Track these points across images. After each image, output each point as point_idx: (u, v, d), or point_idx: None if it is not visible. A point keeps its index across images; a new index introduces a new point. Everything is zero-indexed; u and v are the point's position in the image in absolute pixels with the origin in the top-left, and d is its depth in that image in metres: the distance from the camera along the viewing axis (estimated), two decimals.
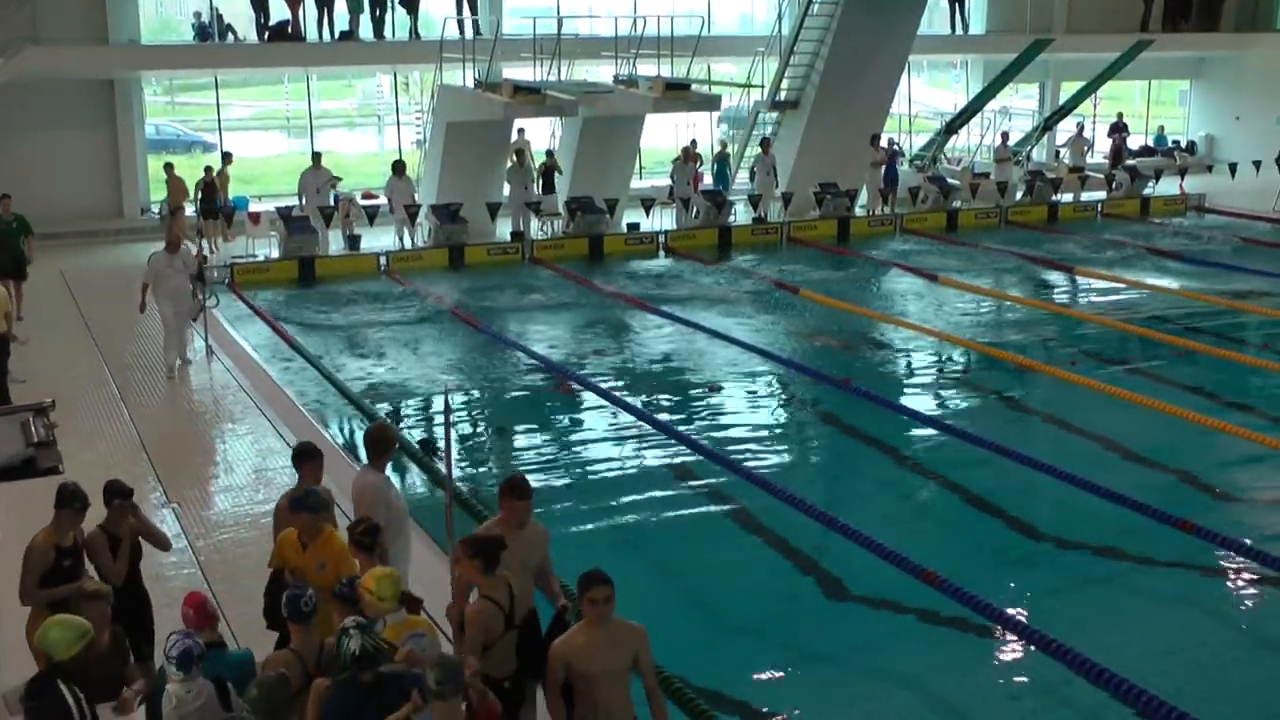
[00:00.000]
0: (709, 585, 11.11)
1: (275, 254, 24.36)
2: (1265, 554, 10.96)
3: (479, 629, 6.84)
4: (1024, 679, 9.43)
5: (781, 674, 9.56)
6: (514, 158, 26.59)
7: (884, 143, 29.66)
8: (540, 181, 26.86)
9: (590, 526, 12.18)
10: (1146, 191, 31.37)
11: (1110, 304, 21.56)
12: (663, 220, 27.50)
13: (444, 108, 26.10)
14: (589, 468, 13.67)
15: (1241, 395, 15.86)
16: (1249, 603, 10.71)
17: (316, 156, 26.14)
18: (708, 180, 29.11)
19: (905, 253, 26.15)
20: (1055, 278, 23.73)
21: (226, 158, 26.76)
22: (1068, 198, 30.88)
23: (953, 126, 32.72)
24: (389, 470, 8.79)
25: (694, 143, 29.38)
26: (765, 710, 8.95)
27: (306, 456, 8.58)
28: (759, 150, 28.58)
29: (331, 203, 25.25)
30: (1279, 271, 23.44)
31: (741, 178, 29.95)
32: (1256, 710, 8.93)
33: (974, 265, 24.83)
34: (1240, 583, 10.95)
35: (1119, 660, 8.99)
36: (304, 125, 31.94)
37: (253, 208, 26.47)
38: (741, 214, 28.13)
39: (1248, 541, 11.24)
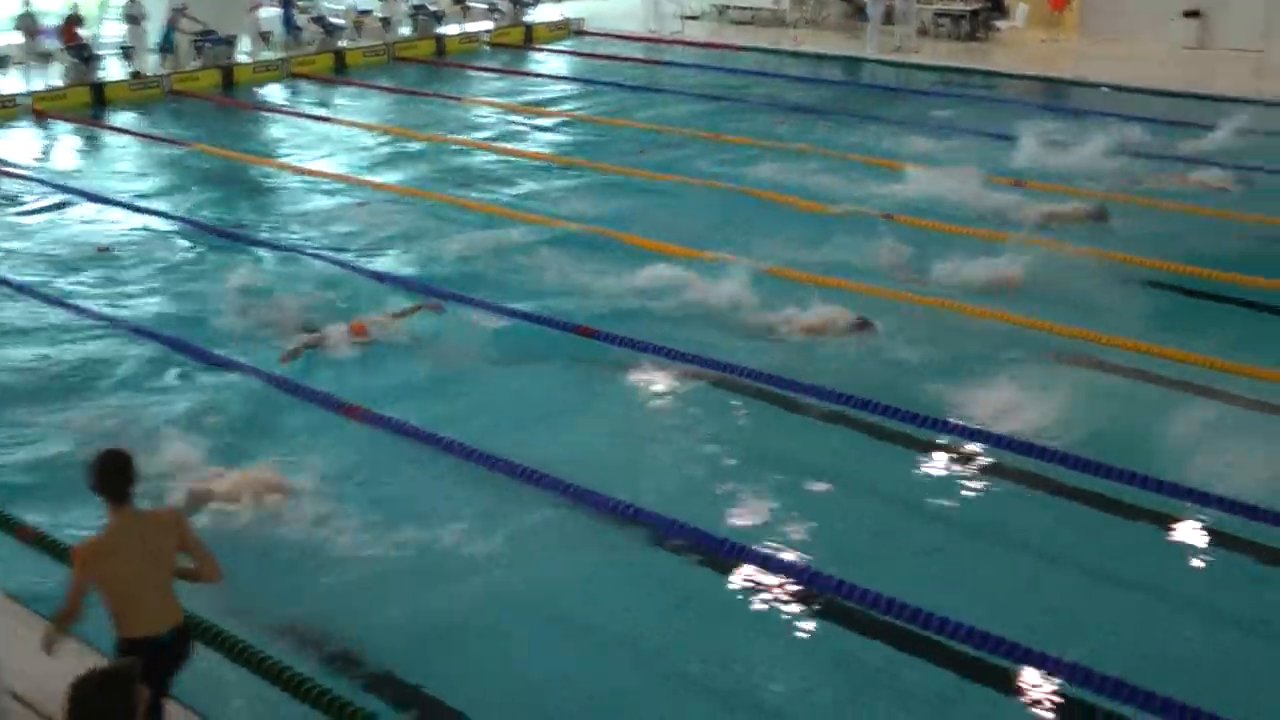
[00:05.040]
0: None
1: None
2: (666, 348, 12.03)
3: None
4: (456, 485, 9.79)
5: None
6: None
7: None
8: None
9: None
10: (528, 19, 32.32)
11: (500, 130, 22.21)
12: (30, 80, 25.40)
13: None
14: None
15: (634, 212, 16.81)
16: (655, 392, 11.57)
17: None
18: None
19: (296, 97, 25.67)
20: (446, 109, 24.08)
21: None
22: (453, 30, 31.26)
23: None
24: None
25: (75, 5, 27.12)
26: None
27: None
28: None
29: None
30: (653, 85, 25.52)
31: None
32: (654, 475, 9.88)
33: (365, 104, 24.86)
34: (644, 376, 11.79)
35: (542, 457, 9.84)
36: None
37: None
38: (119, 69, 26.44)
39: (646, 339, 12.23)
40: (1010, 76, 25.95)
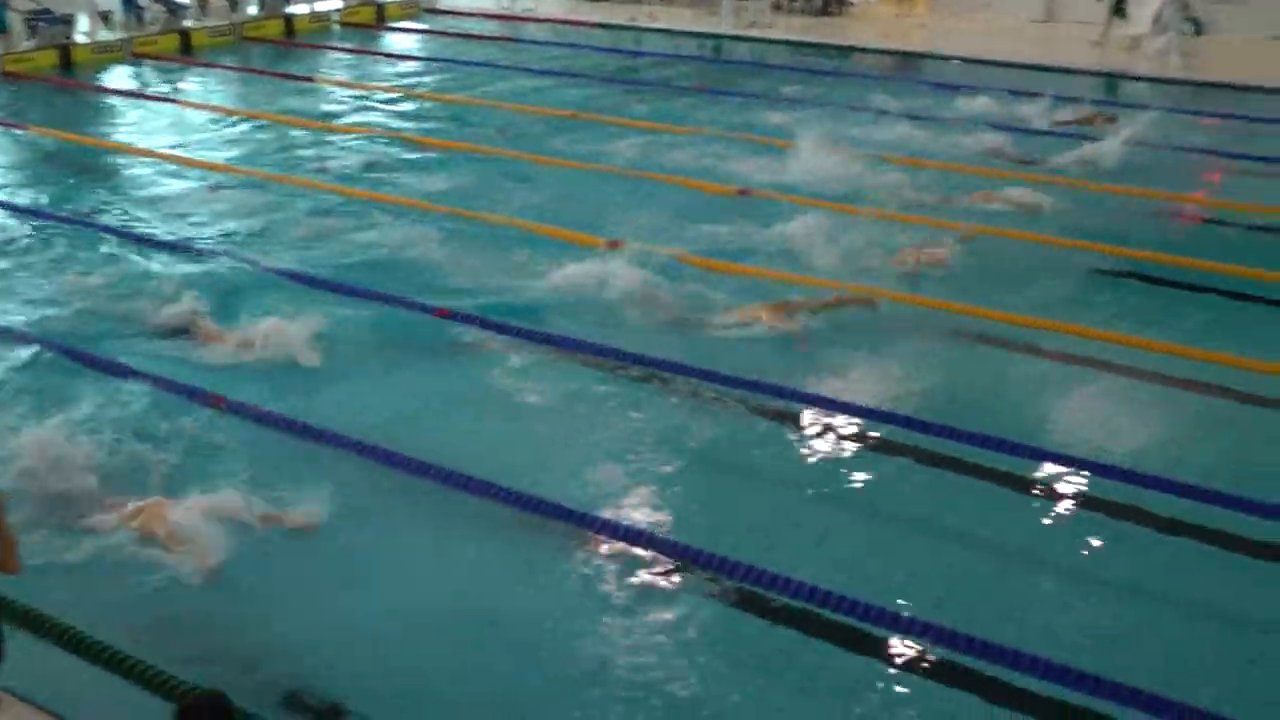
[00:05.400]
0: None
1: None
2: (541, 333, 11.97)
3: None
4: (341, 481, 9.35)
5: None
6: None
7: None
8: None
9: None
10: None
11: (354, 111, 21.77)
12: None
13: None
14: None
15: (493, 191, 16.60)
16: (532, 377, 11.35)
17: None
18: None
19: (140, 79, 24.83)
20: (298, 91, 23.49)
21: None
22: (303, 9, 30.60)
23: None
24: None
25: None
26: None
27: None
28: None
29: None
30: (507, 63, 25.34)
31: None
32: (537, 461, 9.66)
33: (214, 86, 24.22)
34: (520, 360, 11.63)
35: (425, 447, 9.62)
36: None
37: None
38: None
39: (511, 321, 12.10)
40: (866, 51, 26.29)
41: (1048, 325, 12.28)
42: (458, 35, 29.03)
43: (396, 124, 20.72)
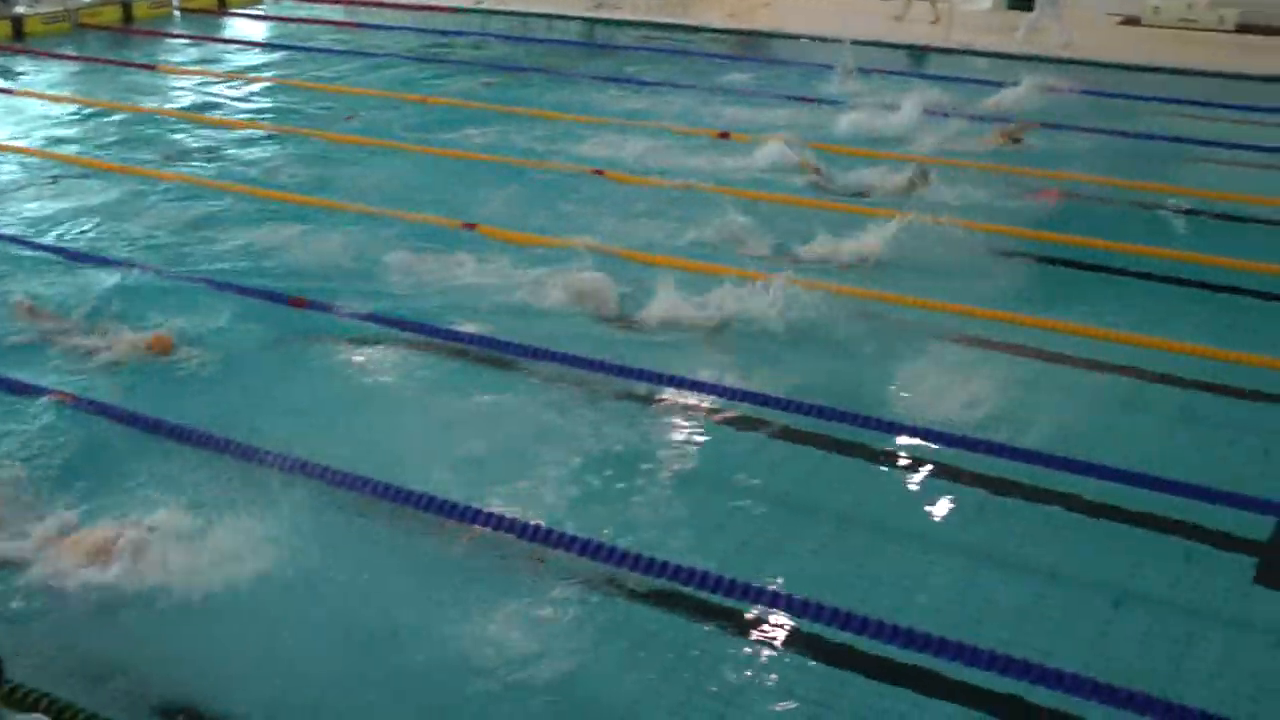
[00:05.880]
0: None
1: None
2: (376, 315, 11.88)
3: None
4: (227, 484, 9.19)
5: None
6: None
7: None
8: None
9: None
10: None
11: (199, 99, 21.32)
12: None
13: None
14: None
15: (344, 179, 16.44)
16: (389, 365, 11.30)
17: None
18: None
19: None
20: (139, 78, 22.92)
21: None
22: None
23: None
24: None
25: None
26: None
27: None
28: None
29: None
30: (355, 48, 25.22)
31: None
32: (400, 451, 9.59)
33: (50, 74, 23.54)
34: (353, 345, 11.57)
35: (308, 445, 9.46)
36: None
37: None
38: None
39: (371, 309, 11.98)
40: (714, 31, 26.52)
41: (933, 305, 12.32)
42: (303, 20, 28.63)
43: (242, 111, 20.40)
